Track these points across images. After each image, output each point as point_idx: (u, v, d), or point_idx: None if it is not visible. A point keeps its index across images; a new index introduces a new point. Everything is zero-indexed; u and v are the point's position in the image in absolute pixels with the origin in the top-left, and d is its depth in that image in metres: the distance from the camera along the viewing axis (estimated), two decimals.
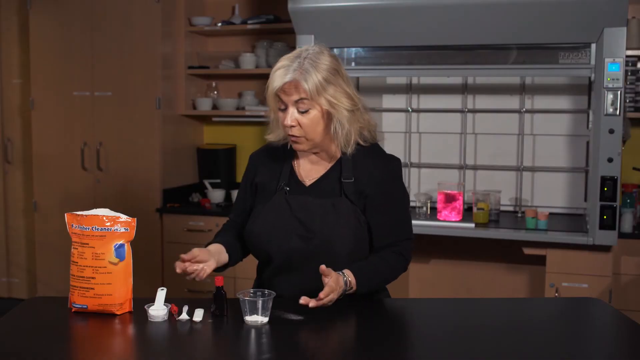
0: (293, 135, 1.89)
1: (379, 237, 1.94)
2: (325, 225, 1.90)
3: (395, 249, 1.95)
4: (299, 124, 1.87)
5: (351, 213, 1.91)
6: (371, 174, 1.94)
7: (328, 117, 1.89)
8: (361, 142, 1.96)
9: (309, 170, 2.00)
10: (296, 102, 1.85)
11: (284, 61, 1.88)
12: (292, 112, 1.87)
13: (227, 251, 1.99)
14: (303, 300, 1.73)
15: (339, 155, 1.98)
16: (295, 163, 2.02)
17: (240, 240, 2.06)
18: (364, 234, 1.93)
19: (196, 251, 1.89)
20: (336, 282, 1.77)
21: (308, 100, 1.85)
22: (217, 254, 1.95)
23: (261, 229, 1.94)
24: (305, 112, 1.86)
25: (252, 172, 2.08)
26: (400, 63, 3.63)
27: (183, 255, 1.87)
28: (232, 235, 2.06)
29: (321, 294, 1.73)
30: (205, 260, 1.89)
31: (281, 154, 2.03)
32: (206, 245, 1.99)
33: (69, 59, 4.40)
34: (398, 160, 2.02)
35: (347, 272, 1.84)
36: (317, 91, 1.84)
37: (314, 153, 1.99)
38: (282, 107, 1.89)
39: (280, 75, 1.85)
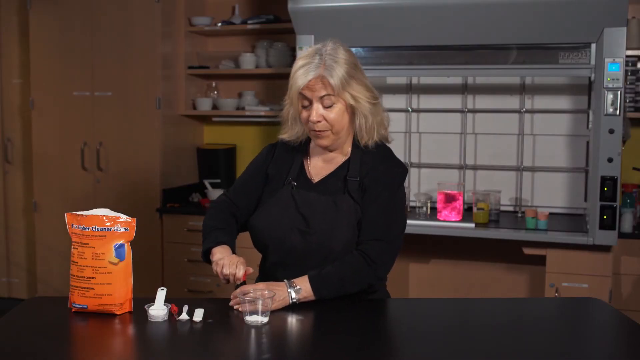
0: (318, 130, 1.92)
1: (359, 233, 1.93)
2: (325, 222, 1.91)
3: (361, 248, 1.91)
4: (325, 119, 1.90)
5: (352, 211, 1.92)
6: (374, 171, 1.96)
7: (352, 111, 1.93)
8: (376, 139, 1.98)
9: (320, 168, 2.02)
10: (321, 97, 1.89)
11: (303, 59, 1.91)
12: (318, 107, 1.90)
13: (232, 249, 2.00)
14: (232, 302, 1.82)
15: (349, 153, 2.00)
16: (306, 160, 2.05)
17: (234, 224, 2.06)
18: None
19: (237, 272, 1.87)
20: (258, 290, 1.78)
21: (333, 96, 1.89)
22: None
23: (265, 223, 1.96)
24: (330, 106, 1.89)
25: (266, 162, 2.08)
26: (400, 63, 3.63)
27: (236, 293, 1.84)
28: (231, 224, 2.05)
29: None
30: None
31: (295, 150, 2.06)
32: (212, 243, 1.97)
33: (69, 59, 4.40)
34: (404, 167, 2.02)
35: (299, 278, 1.86)
36: (342, 86, 1.88)
37: (331, 151, 2.01)
38: (306, 104, 1.91)
39: (303, 72, 1.89)
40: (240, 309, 1.77)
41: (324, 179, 2.00)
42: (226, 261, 1.86)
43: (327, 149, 2.00)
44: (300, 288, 1.83)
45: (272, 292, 1.76)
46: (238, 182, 2.12)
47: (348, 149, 2.01)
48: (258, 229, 1.97)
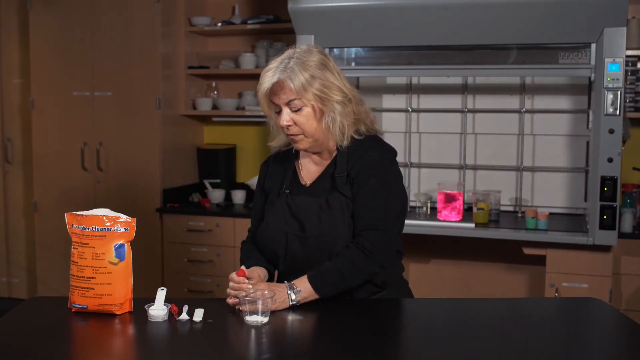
0: (292, 135, 1.93)
1: (354, 225, 1.93)
2: (321, 223, 1.92)
3: (356, 240, 1.89)
4: (295, 123, 1.90)
5: (344, 207, 1.92)
6: (360, 161, 1.94)
7: (321, 112, 1.91)
8: (356, 136, 1.97)
9: (313, 171, 2.03)
10: (287, 103, 1.89)
11: (271, 64, 1.92)
12: (286, 112, 1.90)
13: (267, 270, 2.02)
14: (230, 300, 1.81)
15: (335, 151, 1.99)
16: (297, 166, 2.05)
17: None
18: None
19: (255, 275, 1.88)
20: (258, 290, 1.79)
21: (298, 100, 1.88)
22: (265, 278, 1.97)
23: (265, 235, 1.98)
24: (298, 110, 1.89)
25: (262, 180, 2.11)
26: (400, 63, 3.63)
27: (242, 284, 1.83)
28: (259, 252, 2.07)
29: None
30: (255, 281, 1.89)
31: (286, 159, 2.07)
32: (246, 265, 1.98)
33: (69, 59, 4.40)
34: (390, 150, 1.99)
35: (298, 280, 1.85)
36: (303, 88, 1.87)
37: (316, 153, 2.01)
38: (277, 110, 1.92)
39: (267, 78, 1.90)
40: (240, 309, 1.77)
41: (315, 181, 2.00)
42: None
43: (308, 151, 2.00)
44: (300, 290, 1.83)
45: (272, 292, 1.77)
46: (252, 214, 2.14)
47: (334, 148, 2.00)
48: (261, 242, 2.00)
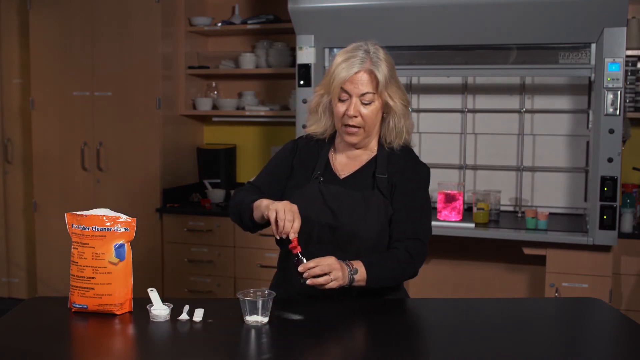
0: (351, 126, 1.93)
1: (393, 230, 1.95)
2: (354, 216, 1.92)
3: (404, 245, 1.92)
4: (360, 114, 1.92)
5: (381, 206, 1.93)
6: (403, 170, 1.98)
7: (387, 110, 1.96)
8: (401, 143, 2.01)
9: (345, 164, 2.04)
10: (362, 94, 1.90)
11: (346, 53, 1.92)
12: (356, 102, 1.91)
13: None
14: (301, 268, 1.76)
15: (375, 151, 2.02)
16: (331, 156, 2.05)
17: None
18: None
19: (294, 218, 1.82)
20: (327, 261, 1.77)
21: (373, 94, 1.90)
22: None
23: None
24: (368, 103, 1.91)
25: (292, 153, 2.07)
26: (400, 63, 3.62)
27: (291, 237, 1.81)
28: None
29: (308, 263, 1.75)
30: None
31: (320, 146, 2.06)
32: (253, 201, 1.93)
33: (69, 59, 4.40)
34: (428, 168, 2.06)
35: (354, 262, 1.84)
36: (385, 83, 1.90)
37: (358, 148, 2.02)
38: (345, 97, 1.92)
39: (347, 66, 1.90)
40: (310, 283, 1.75)
41: (352, 175, 2.01)
42: (280, 214, 1.79)
43: (355, 146, 2.01)
44: (357, 270, 1.83)
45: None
46: (263, 172, 2.11)
47: (374, 147, 2.03)
48: None
